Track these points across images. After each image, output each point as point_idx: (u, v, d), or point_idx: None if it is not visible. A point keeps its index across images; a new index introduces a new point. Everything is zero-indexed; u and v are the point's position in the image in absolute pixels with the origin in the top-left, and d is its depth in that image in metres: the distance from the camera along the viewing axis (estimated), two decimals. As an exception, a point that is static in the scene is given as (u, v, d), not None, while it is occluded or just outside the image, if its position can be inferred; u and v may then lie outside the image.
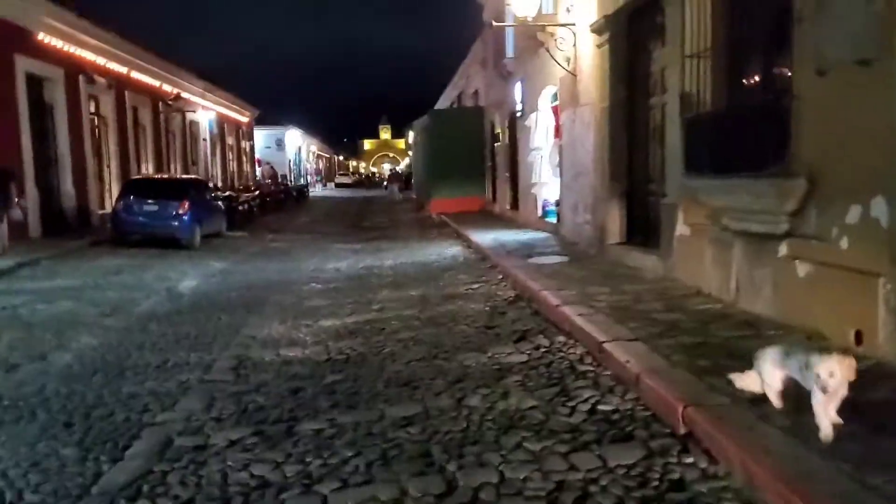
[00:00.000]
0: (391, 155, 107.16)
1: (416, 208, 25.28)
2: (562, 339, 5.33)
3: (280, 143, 60.00)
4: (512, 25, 11.16)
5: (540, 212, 13.51)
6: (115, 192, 19.14)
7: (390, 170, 65.87)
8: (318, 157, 78.92)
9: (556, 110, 11.76)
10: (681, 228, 6.36)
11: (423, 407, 4.09)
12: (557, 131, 11.62)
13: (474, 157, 21.37)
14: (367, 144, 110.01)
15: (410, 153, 69.50)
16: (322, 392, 4.58)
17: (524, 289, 7.30)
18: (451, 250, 12.45)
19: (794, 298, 4.48)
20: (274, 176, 44.42)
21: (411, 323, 6.55)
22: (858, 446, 2.72)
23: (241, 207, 20.72)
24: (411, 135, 60.82)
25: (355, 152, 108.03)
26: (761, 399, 3.26)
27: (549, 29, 11.27)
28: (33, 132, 14.56)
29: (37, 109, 14.82)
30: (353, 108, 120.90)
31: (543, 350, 5.11)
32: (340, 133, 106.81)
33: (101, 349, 6.03)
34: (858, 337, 3.84)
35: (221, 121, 33.38)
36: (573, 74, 10.16)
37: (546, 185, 13.38)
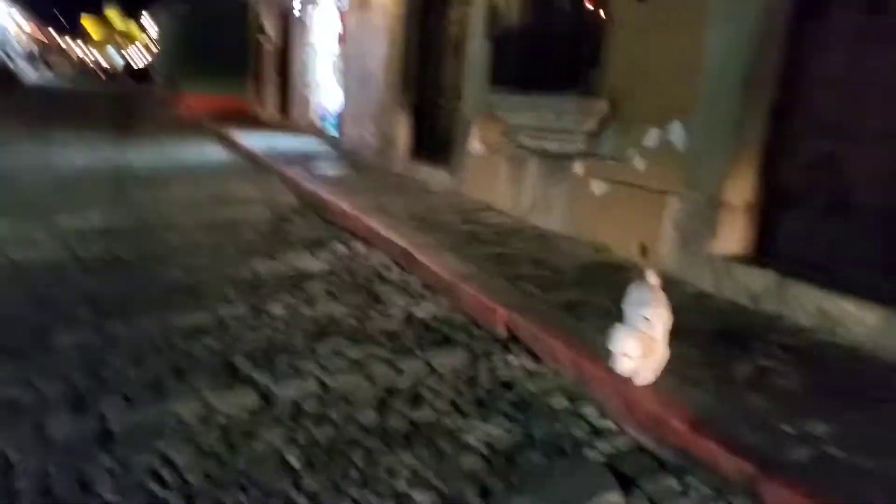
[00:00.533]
0: (120, 40, 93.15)
1: (162, 104, 22.65)
2: (360, 246, 5.08)
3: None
4: None
5: (316, 119, 12.83)
6: None
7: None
8: (29, 36, 65.90)
9: (342, 14, 11.05)
10: (474, 145, 6.40)
11: (214, 316, 3.59)
12: (343, 36, 10.96)
13: (237, 56, 19.51)
14: (92, 24, 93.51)
15: (156, 43, 61.26)
16: (80, 301, 3.79)
17: (310, 197, 6.86)
18: (213, 152, 11.30)
19: (586, 215, 4.76)
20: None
21: (182, 227, 5.77)
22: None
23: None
24: (151, 23, 53.83)
25: (74, 32, 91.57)
26: (576, 304, 3.40)
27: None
28: None
29: None
30: None
31: (343, 257, 4.83)
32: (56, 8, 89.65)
33: None
34: (643, 250, 4.19)
35: None
36: (363, -26, 9.56)
37: (323, 90, 12.70)
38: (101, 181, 7.72)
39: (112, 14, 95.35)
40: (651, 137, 4.16)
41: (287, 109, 15.53)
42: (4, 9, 52.54)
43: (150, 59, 73.85)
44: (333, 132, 11.69)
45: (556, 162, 5.13)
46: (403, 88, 8.33)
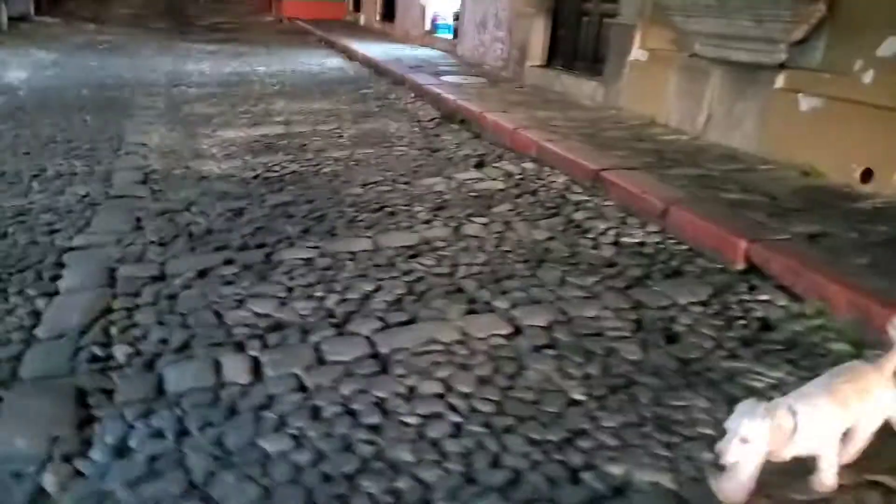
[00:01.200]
0: None
1: (258, 9, 22.46)
2: (531, 165, 4.90)
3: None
4: None
5: (428, 25, 12.40)
6: None
7: None
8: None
9: None
10: (636, 53, 5.97)
11: (418, 236, 3.54)
12: (464, -66, 10.35)
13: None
14: None
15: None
16: (276, 215, 3.83)
17: (452, 109, 6.66)
18: (331, 61, 11.16)
19: (788, 134, 4.38)
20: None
21: (336, 140, 5.73)
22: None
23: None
24: None
25: None
26: (819, 236, 3.15)
27: None
28: None
29: None
30: None
31: (516, 177, 4.67)
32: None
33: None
34: (865, 175, 3.84)
35: None
36: None
37: (436, -4, 12.20)
38: (239, 94, 7.75)
39: None
40: (889, 47, 3.71)
41: (391, 17, 15.08)
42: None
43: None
44: (449, 40, 11.29)
45: (748, 74, 4.71)
46: (540, -8, 7.83)
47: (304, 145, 5.50)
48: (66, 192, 4.04)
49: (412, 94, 7.85)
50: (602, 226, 3.70)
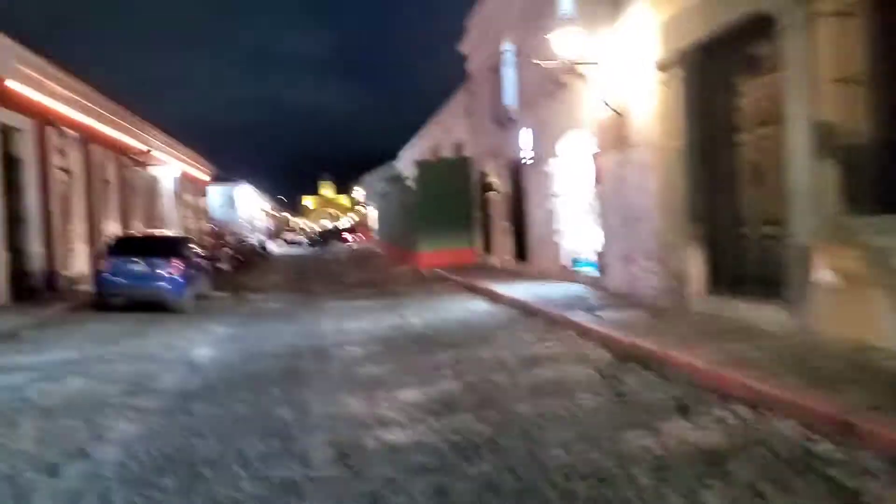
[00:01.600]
0: (332, 211, 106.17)
1: (393, 262, 24.31)
2: (744, 409, 4.42)
3: (231, 201, 58.37)
4: (554, 64, 10.52)
5: (567, 263, 12.74)
6: (82, 253, 17.68)
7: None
8: (266, 214, 76.80)
9: (595, 156, 11.13)
10: (822, 274, 5.63)
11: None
12: (598, 177, 10.97)
13: (462, 208, 20.71)
14: (310, 201, 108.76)
15: (366, 208, 68.47)
16: (482, 489, 3.54)
17: (626, 347, 6.41)
18: (477, 305, 11.50)
19: None
20: (220, 234, 42.40)
21: (511, 392, 5.55)
22: None
23: (218, 267, 19.39)
24: (360, 190, 59.01)
25: (295, 209, 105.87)
26: None
27: (580, 70, 10.78)
28: (4, 187, 13.11)
29: (4, 163, 13.37)
30: (291, 166, 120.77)
31: (736, 426, 4.19)
32: (279, 190, 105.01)
33: (148, 439, 4.82)
34: None
35: (183, 178, 31.95)
36: (619, 115, 9.59)
37: (572, 233, 12.68)
38: (400, 349, 7.95)
39: (326, 190, 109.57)
40: None
41: (523, 256, 15.73)
42: (254, 198, 62.33)
43: (354, 222, 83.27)
44: (592, 274, 11.43)
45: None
46: (691, 220, 7.86)
47: (483, 400, 5.34)
48: (269, 478, 4.00)
49: (571, 333, 7.73)
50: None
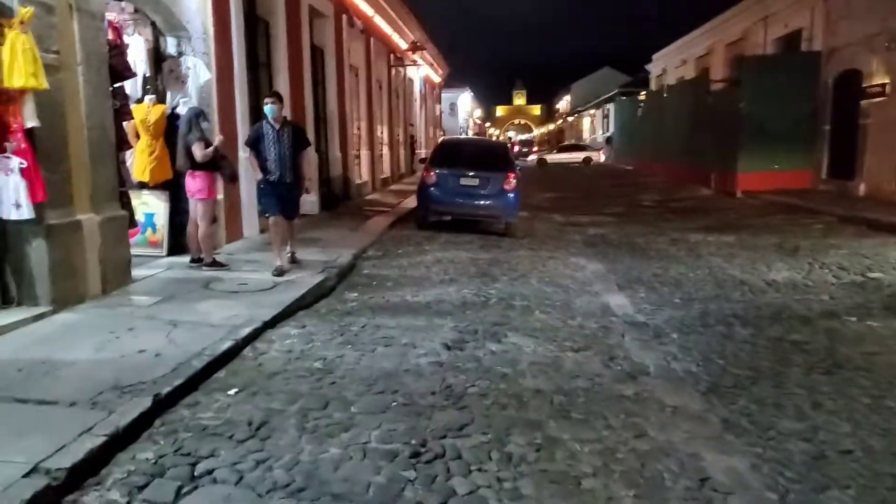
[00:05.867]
0: (523, 122, 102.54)
1: (669, 185, 20.57)
2: None
3: (453, 108, 56.98)
4: None
5: None
6: (365, 159, 16.30)
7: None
8: (475, 122, 74.99)
9: None
10: None
11: None
12: None
13: (801, 119, 16.33)
14: (500, 111, 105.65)
15: (575, 118, 62.90)
16: None
17: None
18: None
19: None
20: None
21: None
22: None
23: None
24: (567, 99, 53.51)
25: (491, 119, 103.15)
26: None
27: None
28: (312, 81, 11.54)
29: (312, 54, 11.76)
30: (487, 74, 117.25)
31: None
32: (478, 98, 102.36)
33: None
34: None
35: (425, 79, 30.22)
36: None
37: None
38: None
39: (519, 100, 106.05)
40: None
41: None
42: (470, 106, 60.75)
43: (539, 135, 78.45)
44: None
45: None
46: None
47: None
48: None
49: None
50: None
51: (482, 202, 10.19)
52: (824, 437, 3.40)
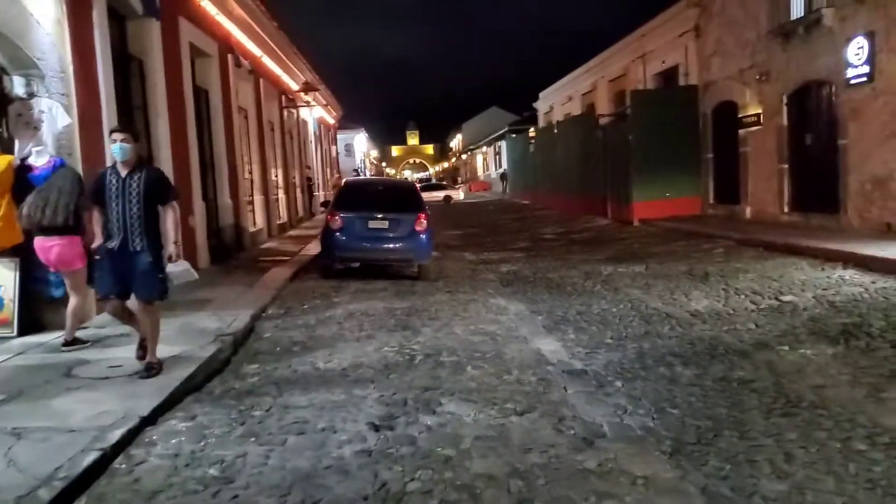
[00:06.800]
0: (418, 161, 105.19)
1: (568, 217, 20.85)
2: None
3: (349, 148, 56.37)
4: None
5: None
6: (259, 204, 15.34)
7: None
8: (371, 162, 74.94)
9: None
10: None
11: None
12: None
13: (685, 149, 16.99)
14: (395, 150, 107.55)
15: (467, 155, 64.51)
16: None
17: None
18: (839, 275, 8.17)
19: None
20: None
21: None
22: None
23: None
24: (458, 137, 54.71)
25: (385, 158, 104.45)
26: None
27: None
28: (197, 124, 10.62)
29: (195, 95, 10.85)
30: (380, 115, 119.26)
31: None
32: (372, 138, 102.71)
33: None
34: None
35: (319, 120, 29.52)
36: None
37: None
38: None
39: (412, 139, 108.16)
40: None
41: (811, 207, 12.11)
42: (365, 143, 60.27)
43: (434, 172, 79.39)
44: None
45: None
46: None
47: None
48: None
49: None
50: None
51: (393, 245, 9.61)
52: (813, 500, 3.03)
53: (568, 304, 7.62)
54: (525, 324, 6.74)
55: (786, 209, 13.42)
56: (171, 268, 4.89)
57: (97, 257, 4.98)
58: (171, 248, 4.93)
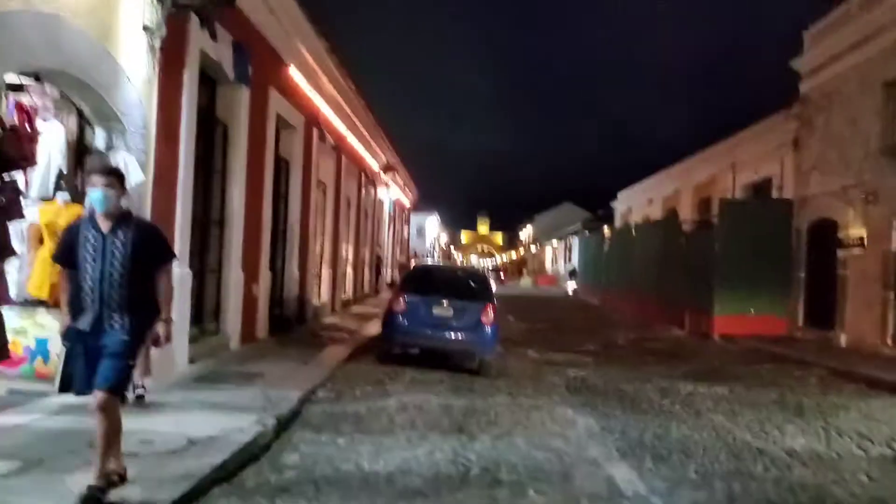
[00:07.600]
0: (486, 248, 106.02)
1: (640, 323, 19.76)
2: None
3: (421, 231, 57.14)
4: None
5: None
6: (326, 279, 15.21)
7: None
8: (441, 247, 75.84)
9: None
10: None
11: None
12: None
13: (775, 265, 15.96)
14: (465, 236, 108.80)
15: (537, 247, 64.41)
16: None
17: None
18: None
19: None
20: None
21: None
22: None
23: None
24: (528, 228, 54.07)
25: (455, 243, 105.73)
26: None
27: None
28: (274, 193, 10.64)
29: (276, 165, 10.94)
30: (452, 201, 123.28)
31: None
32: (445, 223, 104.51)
33: None
34: None
35: (395, 201, 29.95)
36: None
37: None
38: None
39: (482, 227, 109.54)
40: None
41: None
42: (438, 230, 61.10)
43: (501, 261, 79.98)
44: None
45: None
46: None
47: None
48: None
49: None
50: None
51: (456, 334, 9.12)
52: None
53: (644, 425, 6.80)
54: (596, 443, 5.98)
55: (889, 341, 12.16)
56: (154, 353, 3.72)
57: (65, 344, 3.89)
58: (158, 328, 3.85)
